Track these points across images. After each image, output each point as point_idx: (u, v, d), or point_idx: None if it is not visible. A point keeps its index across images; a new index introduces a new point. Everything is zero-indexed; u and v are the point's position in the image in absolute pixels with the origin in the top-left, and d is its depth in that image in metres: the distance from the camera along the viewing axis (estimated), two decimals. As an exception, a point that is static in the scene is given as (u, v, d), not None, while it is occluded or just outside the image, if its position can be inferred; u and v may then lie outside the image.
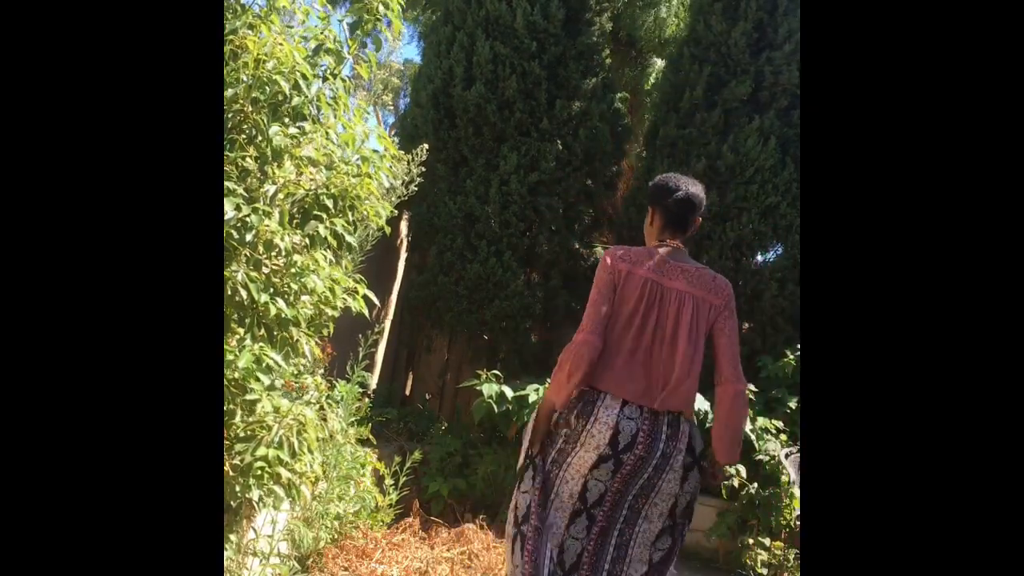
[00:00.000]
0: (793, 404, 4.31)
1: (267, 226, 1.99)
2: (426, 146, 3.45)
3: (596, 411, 1.98)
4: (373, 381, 5.66)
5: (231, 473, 2.14)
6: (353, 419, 3.46)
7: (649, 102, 6.68)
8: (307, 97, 2.09)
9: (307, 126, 2.19)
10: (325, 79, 2.27)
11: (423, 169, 3.41)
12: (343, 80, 2.34)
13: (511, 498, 2.12)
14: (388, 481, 3.71)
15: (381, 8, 2.32)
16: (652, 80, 6.73)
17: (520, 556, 1.99)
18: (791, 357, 4.49)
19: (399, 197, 3.16)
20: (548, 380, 2.22)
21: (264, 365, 2.07)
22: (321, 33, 2.25)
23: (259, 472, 2.14)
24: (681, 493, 2.04)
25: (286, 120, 2.13)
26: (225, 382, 2.02)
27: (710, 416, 4.17)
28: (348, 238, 2.21)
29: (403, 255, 6.13)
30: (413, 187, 3.31)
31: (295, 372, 2.56)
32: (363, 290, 2.38)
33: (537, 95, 5.15)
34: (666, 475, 2.00)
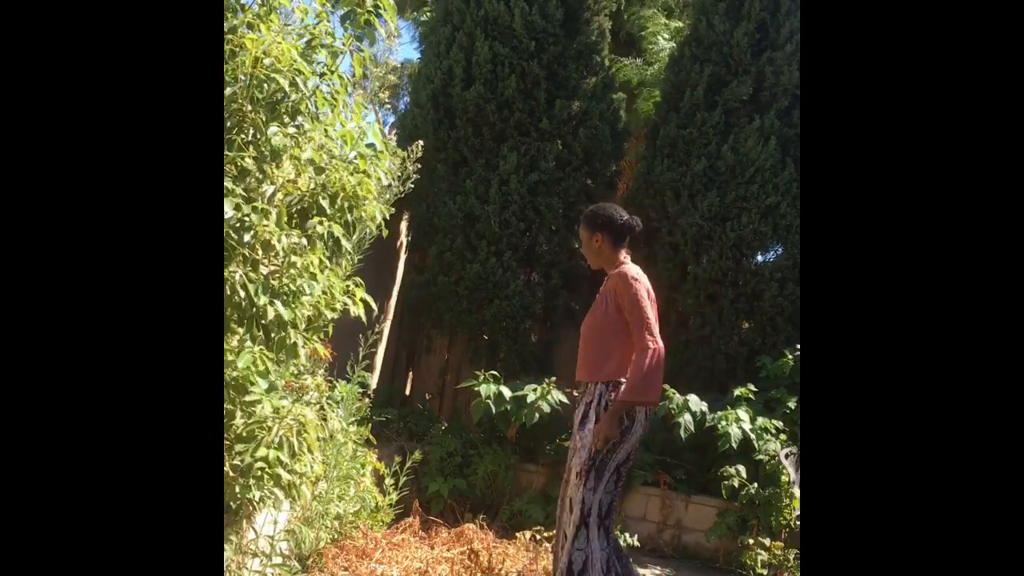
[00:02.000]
0: (793, 404, 4.30)
1: (265, 226, 1.99)
2: (421, 143, 3.45)
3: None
4: (373, 381, 5.65)
5: (231, 474, 2.14)
6: (353, 419, 3.46)
7: (647, 99, 6.65)
8: (305, 95, 2.09)
9: (305, 124, 2.18)
10: (322, 76, 2.26)
11: (419, 166, 3.41)
12: (340, 77, 2.33)
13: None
14: (388, 481, 3.70)
15: (371, 0, 2.31)
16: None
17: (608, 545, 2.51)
18: (790, 357, 4.49)
19: (395, 195, 3.15)
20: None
21: (262, 369, 2.06)
22: (315, 28, 2.24)
23: (259, 473, 2.14)
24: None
25: (284, 119, 2.12)
26: (225, 382, 2.02)
27: (707, 416, 4.17)
28: (344, 242, 2.20)
29: (403, 255, 6.12)
30: (410, 184, 3.30)
31: (295, 373, 2.56)
32: (361, 293, 2.37)
33: (536, 95, 5.15)
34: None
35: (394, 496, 3.69)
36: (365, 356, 3.42)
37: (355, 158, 2.32)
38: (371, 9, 2.30)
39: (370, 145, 2.38)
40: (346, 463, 3.30)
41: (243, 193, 2.02)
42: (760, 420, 4.18)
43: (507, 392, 4.31)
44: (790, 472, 3.91)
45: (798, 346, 4.47)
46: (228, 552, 2.43)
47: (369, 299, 2.43)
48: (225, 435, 2.11)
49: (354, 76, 2.47)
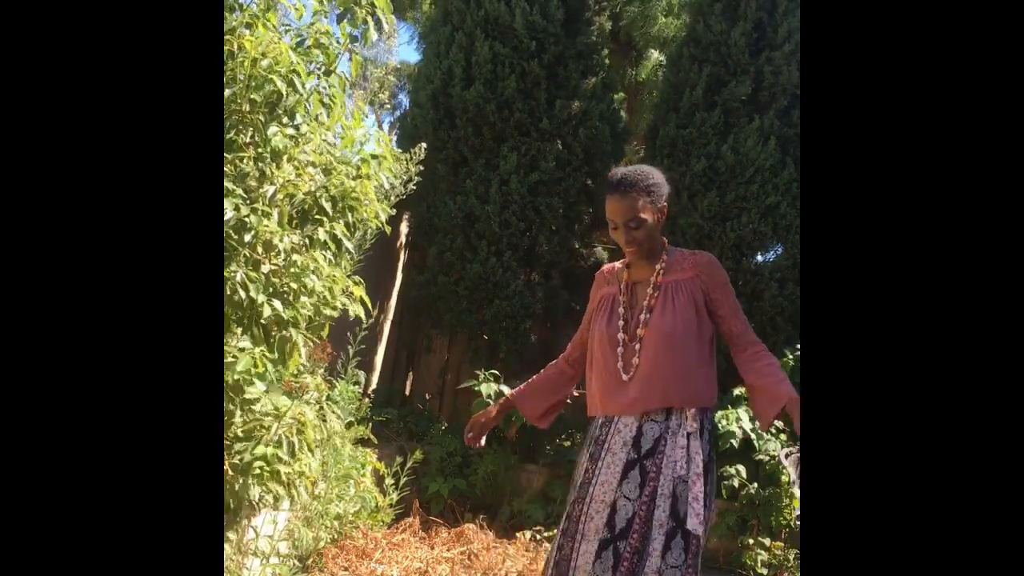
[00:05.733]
0: (793, 404, 4.30)
1: (266, 227, 1.99)
2: (424, 145, 3.45)
3: None
4: (373, 381, 5.65)
5: (230, 473, 2.14)
6: (351, 418, 3.46)
7: (647, 100, 6.67)
8: (302, 95, 2.09)
9: (303, 125, 2.18)
10: (319, 76, 2.26)
11: (421, 168, 3.41)
12: (339, 77, 2.33)
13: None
14: (388, 481, 3.71)
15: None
16: (647, 72, 6.69)
17: None
18: (790, 357, 4.49)
19: (398, 197, 3.16)
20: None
21: (261, 370, 2.06)
22: (311, 26, 2.24)
23: (258, 471, 2.14)
24: None
25: (284, 120, 2.12)
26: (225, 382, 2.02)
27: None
28: (347, 243, 2.21)
29: (403, 255, 6.12)
30: (412, 186, 3.31)
31: (294, 372, 2.56)
32: (359, 292, 2.37)
33: (536, 95, 5.15)
34: None
35: (394, 496, 3.69)
36: (357, 353, 3.42)
37: (358, 161, 2.32)
38: (367, 7, 2.29)
39: (373, 155, 2.37)
40: (345, 463, 3.31)
41: (242, 194, 2.02)
42: (760, 420, 4.18)
43: (507, 392, 4.31)
44: (790, 472, 3.91)
45: (798, 346, 4.47)
46: (228, 552, 2.43)
47: (367, 299, 2.43)
48: (224, 434, 2.12)
49: (352, 77, 2.47)
